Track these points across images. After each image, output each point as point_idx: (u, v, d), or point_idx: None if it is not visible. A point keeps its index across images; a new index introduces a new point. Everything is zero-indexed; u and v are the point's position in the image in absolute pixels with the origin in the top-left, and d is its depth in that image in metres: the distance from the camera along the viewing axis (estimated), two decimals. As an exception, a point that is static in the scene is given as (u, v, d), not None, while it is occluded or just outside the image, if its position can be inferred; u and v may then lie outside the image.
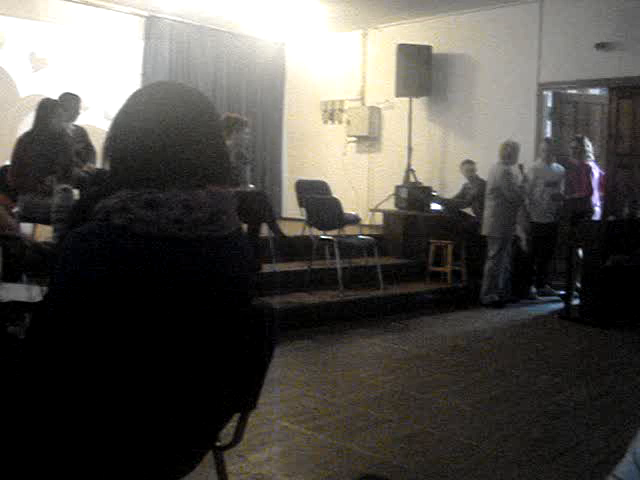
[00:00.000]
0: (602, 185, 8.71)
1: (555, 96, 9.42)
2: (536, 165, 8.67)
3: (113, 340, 1.55)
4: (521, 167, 8.27)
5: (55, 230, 5.83)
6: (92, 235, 1.54)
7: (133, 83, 9.81)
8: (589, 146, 8.57)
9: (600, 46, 8.61)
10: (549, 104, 9.42)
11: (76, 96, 7.38)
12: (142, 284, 1.54)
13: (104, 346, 1.55)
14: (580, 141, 8.57)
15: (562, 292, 8.24)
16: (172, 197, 1.57)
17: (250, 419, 2.04)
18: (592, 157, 8.61)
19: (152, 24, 10.54)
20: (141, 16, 10.47)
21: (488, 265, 8.21)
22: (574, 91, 9.59)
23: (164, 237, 1.55)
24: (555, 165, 8.65)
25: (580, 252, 7.76)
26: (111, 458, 1.62)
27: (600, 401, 4.76)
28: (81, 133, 7.42)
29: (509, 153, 8.11)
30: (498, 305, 8.15)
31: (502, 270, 8.23)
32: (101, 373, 1.56)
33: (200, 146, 1.65)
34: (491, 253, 8.19)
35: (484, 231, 8.25)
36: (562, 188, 8.65)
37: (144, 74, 10.38)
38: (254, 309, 1.85)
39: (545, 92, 9.34)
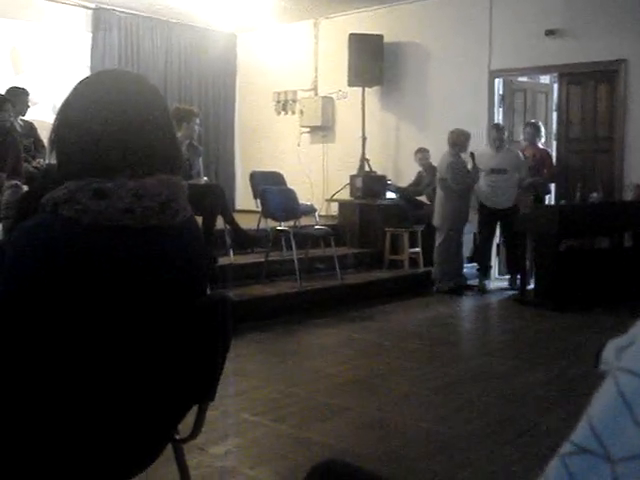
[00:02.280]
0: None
1: (505, 83, 9.49)
2: (482, 151, 8.53)
3: (66, 333, 1.51)
4: (472, 155, 8.18)
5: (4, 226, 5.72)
6: (40, 228, 1.50)
7: (81, 76, 9.63)
8: (543, 131, 8.66)
9: (549, 33, 8.70)
10: (500, 91, 9.50)
11: (24, 90, 7.24)
12: (93, 276, 1.50)
13: (57, 339, 1.51)
14: (534, 126, 8.62)
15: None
16: (121, 186, 1.53)
17: (210, 412, 2.01)
18: (543, 141, 8.68)
19: (99, 16, 10.37)
20: (88, 8, 10.29)
21: (436, 253, 8.27)
22: (524, 79, 9.68)
23: (114, 227, 1.52)
24: (508, 152, 8.38)
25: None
26: (68, 454, 1.59)
27: (556, 384, 4.83)
28: (30, 128, 7.28)
29: (454, 141, 8.11)
30: (454, 292, 8.18)
31: (453, 258, 8.25)
32: (55, 368, 1.53)
33: (148, 133, 1.61)
34: (438, 241, 8.23)
35: (434, 221, 8.30)
36: (520, 175, 8.32)
37: (92, 67, 10.21)
38: (209, 299, 1.83)
39: (496, 79, 9.41)
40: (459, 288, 8.26)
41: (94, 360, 1.56)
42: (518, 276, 8.28)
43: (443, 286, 8.24)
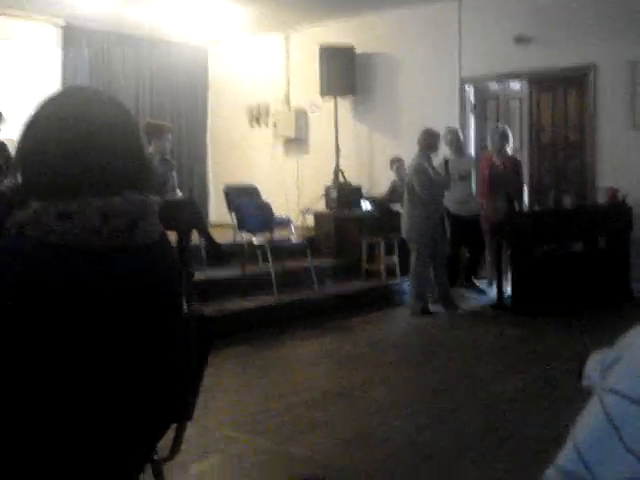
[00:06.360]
0: None
1: (477, 91, 9.54)
2: (447, 157, 8.14)
3: (33, 356, 1.48)
4: (446, 161, 7.67)
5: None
6: (5, 250, 1.47)
7: (53, 94, 9.59)
8: (510, 137, 8.48)
9: (518, 40, 8.77)
10: (472, 99, 9.54)
11: (-7, 110, 7.17)
12: (59, 296, 1.47)
13: (26, 361, 1.48)
14: (503, 132, 8.31)
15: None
16: (87, 206, 1.50)
17: (189, 430, 1.99)
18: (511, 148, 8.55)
19: (69, 32, 10.30)
20: (58, 25, 10.22)
21: (410, 269, 7.73)
22: (496, 86, 9.74)
23: (81, 248, 1.49)
24: (468, 157, 8.36)
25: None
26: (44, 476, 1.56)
27: (535, 388, 4.84)
28: (1, 147, 7.20)
29: (424, 143, 7.60)
30: (425, 312, 7.56)
31: (427, 275, 7.69)
32: (26, 392, 1.49)
33: (115, 152, 1.58)
34: (413, 256, 7.65)
35: (402, 233, 7.80)
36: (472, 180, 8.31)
37: (64, 84, 10.13)
38: (183, 317, 1.80)
39: (467, 87, 9.46)
40: (429, 308, 7.64)
41: (65, 384, 1.53)
42: (477, 282, 8.43)
43: (415, 306, 7.64)
